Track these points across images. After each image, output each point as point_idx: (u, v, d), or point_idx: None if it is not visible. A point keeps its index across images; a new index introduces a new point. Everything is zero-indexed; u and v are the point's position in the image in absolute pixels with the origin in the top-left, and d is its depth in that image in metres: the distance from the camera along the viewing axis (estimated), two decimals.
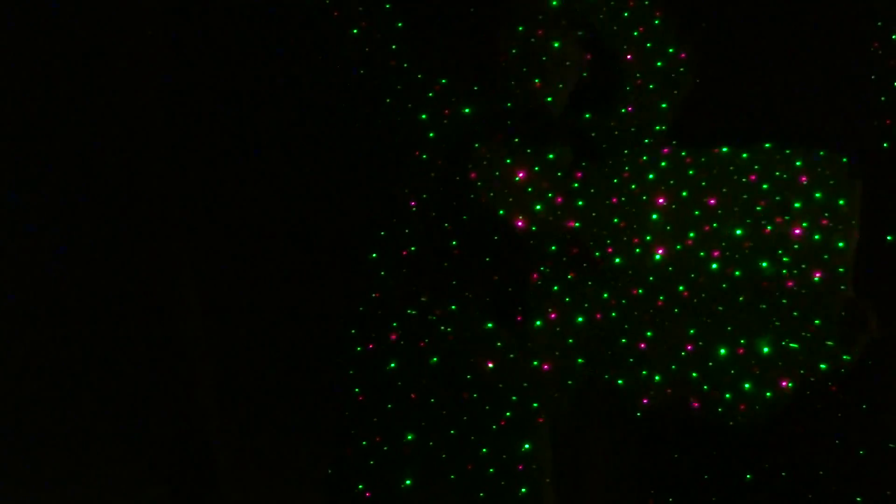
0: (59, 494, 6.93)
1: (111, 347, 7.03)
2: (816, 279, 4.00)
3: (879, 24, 4.87)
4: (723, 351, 4.06)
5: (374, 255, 4.47)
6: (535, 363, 4.32)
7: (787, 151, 4.14)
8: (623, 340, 4.15)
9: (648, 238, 4.11)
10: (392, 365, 4.38)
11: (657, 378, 4.16)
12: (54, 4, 6.68)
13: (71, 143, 6.90)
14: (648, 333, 4.12)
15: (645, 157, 4.15)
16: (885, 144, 4.81)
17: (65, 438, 7.08)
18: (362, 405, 4.44)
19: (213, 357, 6.60)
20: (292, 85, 6.85)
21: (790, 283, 4.02)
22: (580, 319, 4.27)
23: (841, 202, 4.10)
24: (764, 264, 4.02)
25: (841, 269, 3.98)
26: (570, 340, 4.30)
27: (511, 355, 4.27)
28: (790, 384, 4.08)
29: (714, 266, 4.06)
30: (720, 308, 4.10)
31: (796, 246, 3.99)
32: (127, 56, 6.45)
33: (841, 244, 4.05)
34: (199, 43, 6.79)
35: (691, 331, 4.08)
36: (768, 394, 4.11)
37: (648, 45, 4.25)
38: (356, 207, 4.57)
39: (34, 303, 7.03)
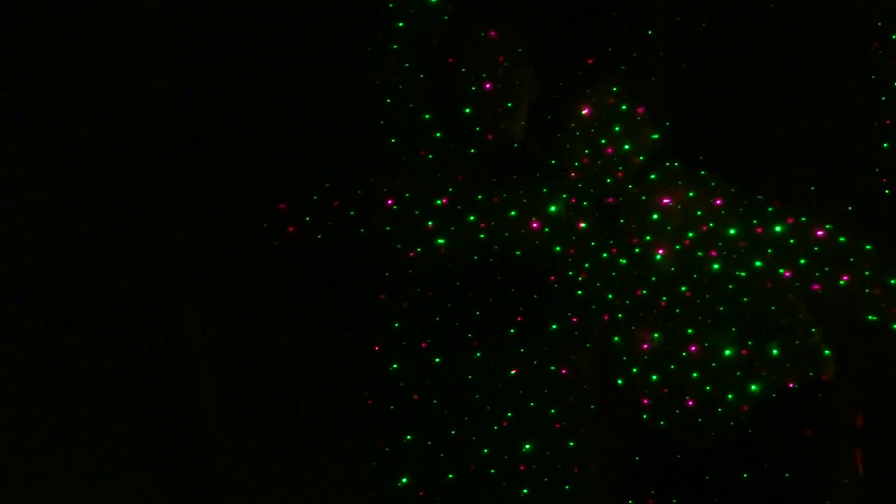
0: (58, 494, 6.94)
1: (110, 346, 7.04)
2: (842, 282, 4.03)
3: (879, 24, 4.88)
4: (728, 352, 4.08)
5: (372, 255, 4.46)
6: (553, 368, 4.31)
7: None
8: (616, 339, 4.17)
9: (649, 238, 4.12)
10: (395, 366, 4.35)
11: (654, 377, 4.17)
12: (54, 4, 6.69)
13: (70, 142, 6.91)
14: (657, 335, 4.13)
15: (642, 158, 4.15)
16: (885, 144, 4.82)
17: (63, 438, 7.09)
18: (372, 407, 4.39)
19: (213, 357, 6.61)
20: (292, 86, 6.86)
21: (815, 287, 4.04)
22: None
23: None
24: (781, 270, 4.04)
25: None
26: (588, 345, 4.30)
27: (535, 361, 4.26)
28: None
29: (715, 266, 4.07)
30: (722, 308, 4.11)
31: (816, 248, 4.01)
32: (128, 54, 6.46)
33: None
34: (196, 43, 6.79)
35: (690, 331, 4.10)
36: (773, 394, 4.12)
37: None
38: (356, 207, 4.57)
39: (33, 302, 7.03)
